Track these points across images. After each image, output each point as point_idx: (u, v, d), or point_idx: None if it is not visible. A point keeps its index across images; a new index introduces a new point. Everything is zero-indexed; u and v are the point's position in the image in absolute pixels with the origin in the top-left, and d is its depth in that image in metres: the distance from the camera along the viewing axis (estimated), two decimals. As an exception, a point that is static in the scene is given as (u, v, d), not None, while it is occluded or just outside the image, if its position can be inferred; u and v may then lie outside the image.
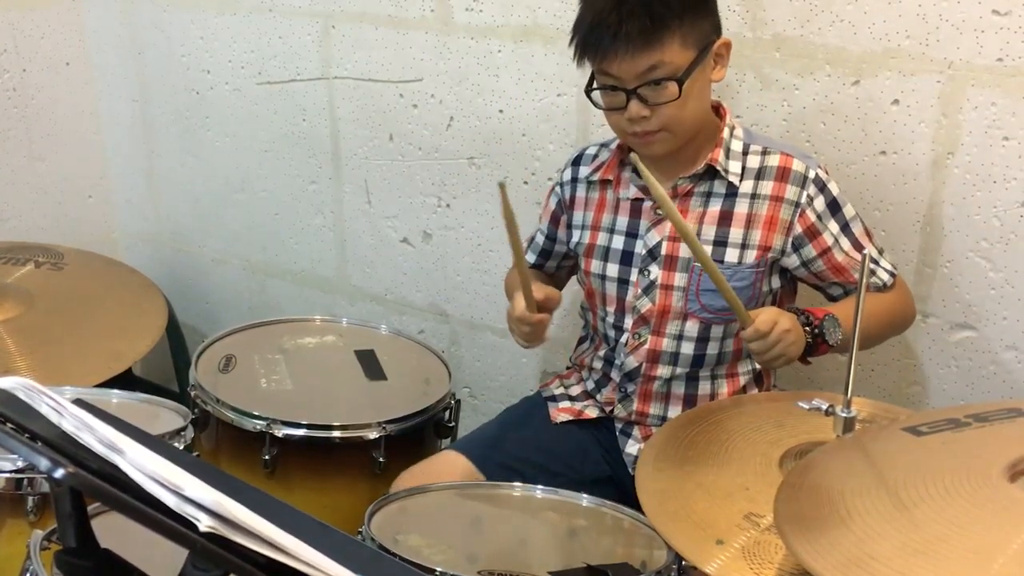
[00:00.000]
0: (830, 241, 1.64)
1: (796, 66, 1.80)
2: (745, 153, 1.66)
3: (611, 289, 1.74)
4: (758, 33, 1.80)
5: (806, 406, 1.37)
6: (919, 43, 1.69)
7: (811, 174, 1.63)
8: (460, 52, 2.15)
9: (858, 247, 1.65)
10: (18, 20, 2.59)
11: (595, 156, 1.78)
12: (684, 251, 1.67)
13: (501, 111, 2.14)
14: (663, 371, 1.72)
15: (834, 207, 1.65)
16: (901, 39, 1.70)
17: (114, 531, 1.04)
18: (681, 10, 1.53)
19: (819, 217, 1.63)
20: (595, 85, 1.61)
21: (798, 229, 1.63)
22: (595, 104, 1.62)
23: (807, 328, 1.55)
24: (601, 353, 1.80)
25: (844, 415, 1.32)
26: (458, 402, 1.93)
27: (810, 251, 1.64)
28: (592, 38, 1.55)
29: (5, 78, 2.60)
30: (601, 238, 1.75)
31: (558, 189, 1.82)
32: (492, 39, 2.11)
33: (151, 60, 2.68)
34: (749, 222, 1.64)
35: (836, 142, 1.81)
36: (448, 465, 1.73)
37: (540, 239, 1.88)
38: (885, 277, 1.68)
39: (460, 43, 2.15)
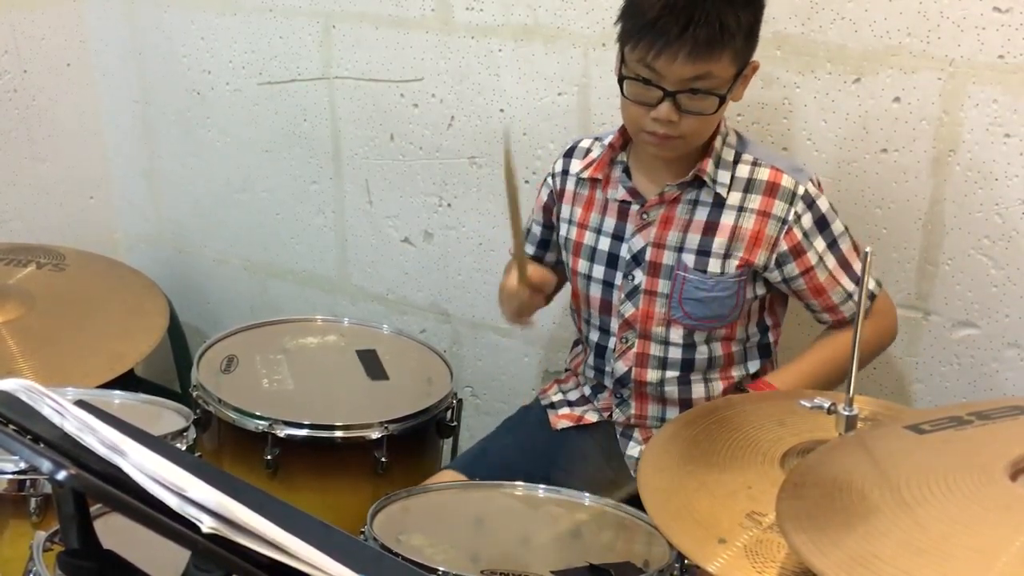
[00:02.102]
0: (813, 260, 1.62)
1: (797, 64, 1.80)
2: (736, 162, 1.63)
3: (596, 291, 1.73)
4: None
5: (808, 404, 1.37)
6: (920, 40, 1.68)
7: (800, 190, 1.60)
8: (461, 51, 2.15)
9: (844, 265, 1.63)
10: (19, 21, 2.59)
11: (588, 151, 1.76)
12: (667, 258, 1.66)
13: (502, 110, 2.14)
14: (653, 375, 1.71)
15: (822, 224, 1.62)
16: (902, 36, 1.70)
17: (116, 532, 1.04)
18: (747, 27, 1.50)
19: (805, 235, 1.61)
20: (627, 72, 1.55)
21: (783, 247, 1.61)
22: (623, 91, 1.57)
23: None
24: (591, 360, 1.79)
25: (846, 413, 1.32)
26: (460, 401, 1.93)
27: (793, 269, 1.63)
28: (653, 32, 1.48)
29: (6, 79, 2.60)
30: (588, 237, 1.74)
31: (550, 180, 1.81)
32: (493, 38, 2.11)
33: (152, 61, 2.68)
34: (733, 234, 1.62)
35: (837, 140, 1.80)
36: None
37: (537, 230, 1.86)
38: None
39: (461, 42, 2.15)
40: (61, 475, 0.80)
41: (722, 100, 1.52)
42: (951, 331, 1.80)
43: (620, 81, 1.56)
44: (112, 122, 2.83)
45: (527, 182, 2.16)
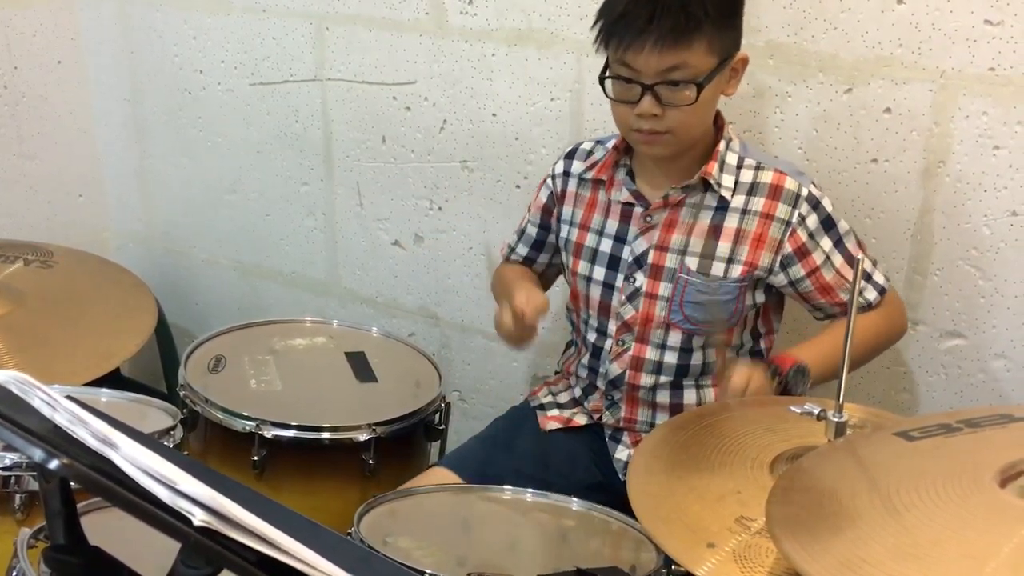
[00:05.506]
0: (820, 260, 1.63)
1: (789, 73, 1.81)
2: (739, 167, 1.64)
3: (595, 292, 1.74)
4: (751, 40, 1.81)
5: (798, 410, 1.37)
6: (911, 51, 1.69)
7: (804, 192, 1.62)
8: (454, 55, 2.16)
9: (851, 262, 1.64)
10: (10, 18, 2.58)
11: (590, 152, 1.77)
12: (670, 261, 1.66)
13: (494, 114, 2.15)
14: (647, 379, 1.72)
15: (828, 224, 1.64)
16: (894, 47, 1.71)
17: (102, 530, 1.03)
18: (716, 15, 1.51)
19: (811, 235, 1.63)
20: (609, 73, 1.58)
21: (787, 249, 1.62)
22: (606, 93, 1.60)
23: (774, 380, 1.57)
24: (585, 360, 1.79)
25: (836, 419, 1.32)
26: (448, 405, 1.93)
27: (798, 271, 1.64)
28: (621, 26, 1.52)
29: (-4, 76, 2.59)
30: (589, 239, 1.74)
31: (549, 181, 1.82)
32: (486, 42, 2.11)
33: (143, 59, 2.68)
34: (737, 237, 1.63)
35: (828, 149, 1.81)
36: (437, 482, 1.72)
37: (532, 231, 1.87)
38: (871, 296, 1.67)
39: (454, 46, 2.15)
40: (53, 464, 0.79)
41: (700, 88, 1.53)
42: (938, 341, 1.81)
43: (602, 82, 1.59)
44: (103, 121, 2.82)
45: (518, 187, 2.16)
